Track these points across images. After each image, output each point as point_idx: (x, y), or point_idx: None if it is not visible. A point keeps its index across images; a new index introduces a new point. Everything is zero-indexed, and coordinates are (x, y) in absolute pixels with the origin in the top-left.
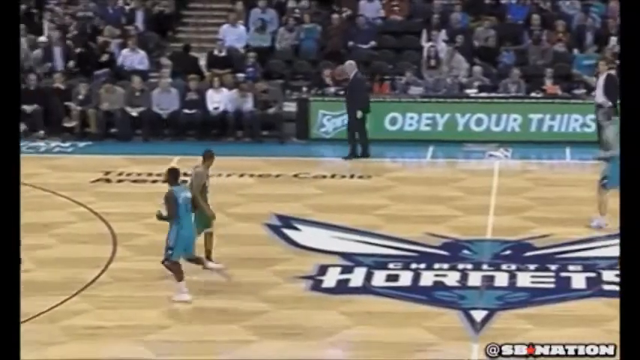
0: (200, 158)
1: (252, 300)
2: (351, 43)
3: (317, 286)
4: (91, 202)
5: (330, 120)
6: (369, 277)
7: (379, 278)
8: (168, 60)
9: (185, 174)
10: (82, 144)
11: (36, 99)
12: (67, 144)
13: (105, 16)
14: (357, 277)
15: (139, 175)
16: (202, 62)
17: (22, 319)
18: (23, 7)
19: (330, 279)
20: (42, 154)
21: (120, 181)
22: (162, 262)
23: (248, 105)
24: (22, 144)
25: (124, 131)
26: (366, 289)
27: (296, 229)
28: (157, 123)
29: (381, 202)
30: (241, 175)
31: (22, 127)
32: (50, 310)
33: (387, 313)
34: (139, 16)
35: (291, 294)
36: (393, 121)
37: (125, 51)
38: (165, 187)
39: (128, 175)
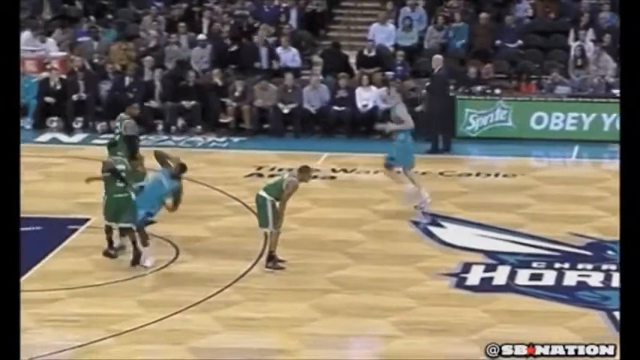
0: (349, 155)
1: (397, 296)
2: (498, 42)
3: (461, 283)
4: (244, 197)
5: (477, 118)
6: (512, 275)
7: (523, 277)
8: (319, 58)
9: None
10: (236, 139)
11: (194, 95)
12: (223, 139)
13: (260, 14)
14: (500, 276)
15: (290, 170)
16: (352, 60)
17: (177, 309)
18: (184, 5)
19: (474, 277)
20: (199, 148)
21: (272, 176)
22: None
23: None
24: (180, 139)
25: (277, 127)
26: (510, 287)
27: (441, 226)
28: (307, 119)
29: (525, 200)
30: None
31: (181, 122)
32: (204, 300)
33: (529, 311)
34: (293, 15)
35: (436, 291)
36: (539, 121)
37: (279, 49)
38: (311, 184)
39: (280, 170)
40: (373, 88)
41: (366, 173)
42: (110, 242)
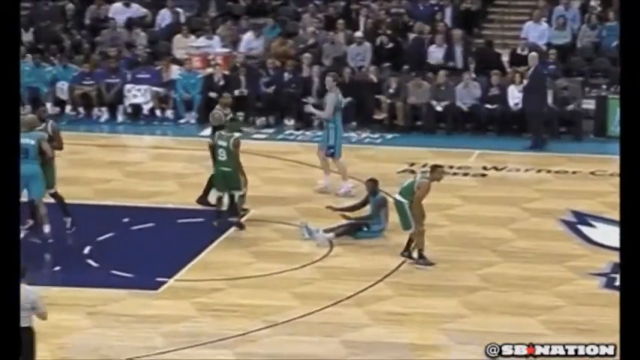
0: (500, 153)
1: (546, 295)
2: None
3: (610, 283)
4: (395, 192)
5: None
6: None
7: None
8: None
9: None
10: (389, 135)
11: (350, 91)
12: (376, 135)
13: (415, 12)
14: None
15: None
16: (505, 58)
17: (330, 302)
18: (342, 3)
19: None
20: (353, 144)
21: (424, 172)
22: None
23: (548, 101)
24: None
25: (429, 124)
26: None
27: (591, 225)
28: (459, 117)
29: None
30: (539, 171)
31: None
32: (356, 294)
33: None
34: (448, 13)
35: (585, 290)
36: None
37: (432, 47)
38: (461, 181)
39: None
40: None
41: (517, 171)
42: (218, 213)
